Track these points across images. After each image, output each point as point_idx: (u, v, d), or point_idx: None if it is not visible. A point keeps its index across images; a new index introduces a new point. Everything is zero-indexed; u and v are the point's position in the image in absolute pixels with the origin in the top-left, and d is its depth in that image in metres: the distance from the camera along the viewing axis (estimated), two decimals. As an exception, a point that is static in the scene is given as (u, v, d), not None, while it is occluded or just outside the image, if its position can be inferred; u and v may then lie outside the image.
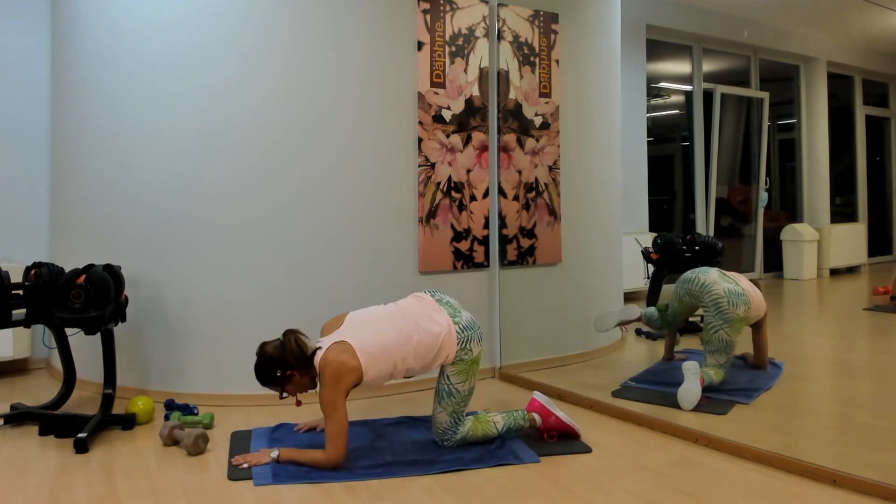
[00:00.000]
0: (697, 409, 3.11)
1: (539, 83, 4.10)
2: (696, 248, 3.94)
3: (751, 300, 3.31)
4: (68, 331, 3.54)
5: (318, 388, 2.57)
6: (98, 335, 3.52)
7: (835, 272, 4.05)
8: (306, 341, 2.62)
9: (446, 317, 2.68)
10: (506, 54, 4.00)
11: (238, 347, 3.43)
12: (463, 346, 2.65)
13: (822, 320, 4.18)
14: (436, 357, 2.64)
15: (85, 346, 3.70)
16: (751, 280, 3.56)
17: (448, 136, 3.80)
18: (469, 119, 3.87)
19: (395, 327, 2.62)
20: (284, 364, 2.55)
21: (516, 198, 4.03)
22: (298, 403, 2.67)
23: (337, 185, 3.54)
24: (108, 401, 3.00)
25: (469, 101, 3.87)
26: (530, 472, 2.51)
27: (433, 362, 2.65)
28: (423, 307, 2.72)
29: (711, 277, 3.39)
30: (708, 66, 4.24)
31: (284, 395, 2.61)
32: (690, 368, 3.16)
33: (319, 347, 2.58)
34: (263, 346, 2.60)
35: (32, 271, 2.98)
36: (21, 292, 2.98)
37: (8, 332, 3.94)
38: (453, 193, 3.82)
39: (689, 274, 3.51)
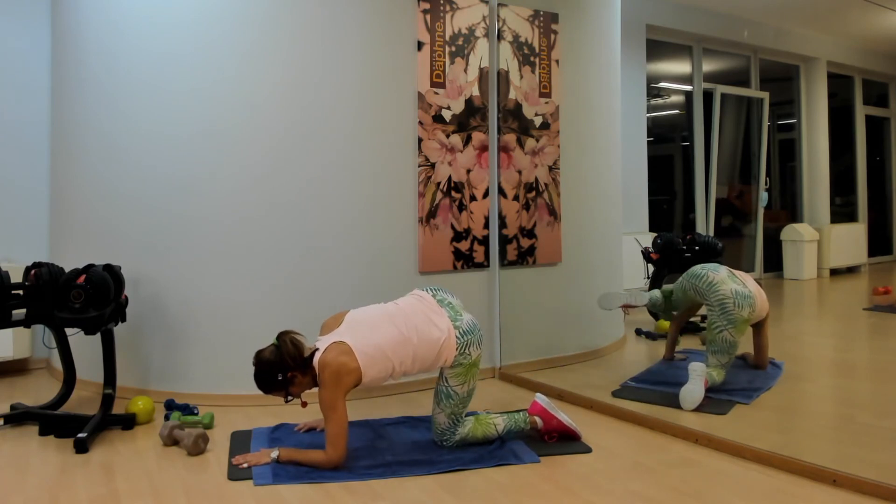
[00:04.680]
0: (698, 409, 3.11)
1: (539, 83, 4.10)
2: (696, 248, 3.94)
3: (755, 302, 3.29)
4: (68, 331, 3.54)
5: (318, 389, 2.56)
6: (98, 335, 3.52)
7: (835, 272, 4.05)
8: (302, 341, 2.62)
9: (447, 320, 2.65)
10: (506, 54, 4.00)
11: (238, 347, 3.43)
12: (462, 350, 2.64)
13: (822, 320, 4.18)
14: (434, 361, 2.63)
15: (85, 346, 3.70)
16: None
17: (448, 136, 3.80)
18: (469, 119, 3.87)
19: (395, 330, 2.59)
20: (284, 366, 2.53)
21: (516, 198, 4.03)
22: (304, 405, 2.66)
23: (337, 185, 3.54)
24: (108, 401, 3.00)
25: (469, 101, 3.87)
26: (530, 472, 2.51)
27: (432, 365, 2.65)
28: (423, 309, 2.68)
29: (720, 276, 3.36)
30: (708, 66, 4.24)
31: (290, 398, 2.61)
32: (696, 370, 3.15)
33: (318, 348, 2.58)
34: (259, 353, 2.58)
35: (32, 271, 2.98)
36: (21, 292, 2.98)
37: (8, 332, 3.94)
38: (453, 193, 3.82)
39: (698, 269, 3.45)
